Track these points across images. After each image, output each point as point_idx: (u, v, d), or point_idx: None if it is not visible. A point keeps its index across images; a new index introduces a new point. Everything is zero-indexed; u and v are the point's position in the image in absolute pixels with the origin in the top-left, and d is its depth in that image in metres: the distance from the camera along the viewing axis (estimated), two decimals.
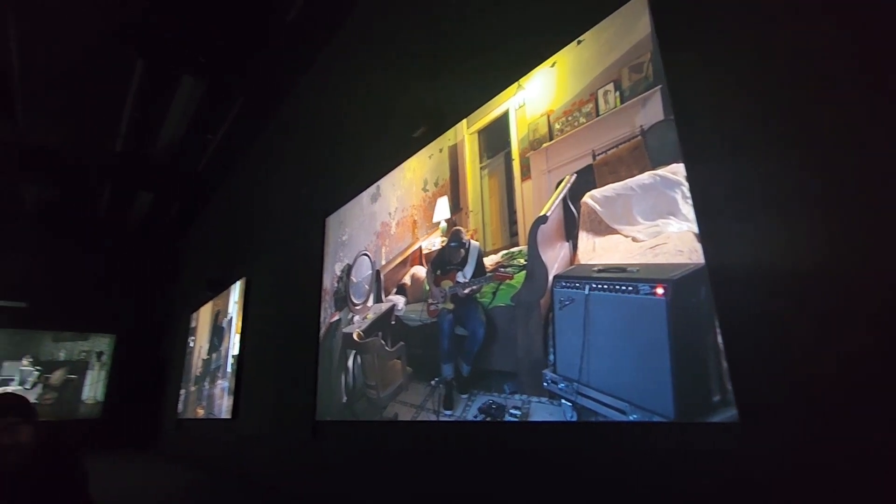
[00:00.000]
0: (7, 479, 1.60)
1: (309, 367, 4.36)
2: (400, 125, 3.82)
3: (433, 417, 2.91)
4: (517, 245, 2.62)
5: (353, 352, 3.86)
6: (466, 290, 2.89)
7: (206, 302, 7.90)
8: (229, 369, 6.23)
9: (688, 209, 1.89)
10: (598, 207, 2.24)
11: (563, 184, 2.43)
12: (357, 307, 3.96)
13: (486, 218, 2.88)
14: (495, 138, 2.93)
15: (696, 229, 1.85)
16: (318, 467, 4.05)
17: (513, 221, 2.68)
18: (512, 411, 2.42)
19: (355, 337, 3.85)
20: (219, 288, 7.40)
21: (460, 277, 2.97)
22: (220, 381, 6.48)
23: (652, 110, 2.09)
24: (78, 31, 5.27)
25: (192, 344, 8.40)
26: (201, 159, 7.86)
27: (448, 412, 2.81)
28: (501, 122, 2.90)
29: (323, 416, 4.07)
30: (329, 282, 4.48)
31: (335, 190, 4.67)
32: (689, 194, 1.90)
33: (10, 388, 9.30)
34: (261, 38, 5.37)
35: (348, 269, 4.20)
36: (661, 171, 2.02)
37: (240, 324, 6.23)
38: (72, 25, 5.18)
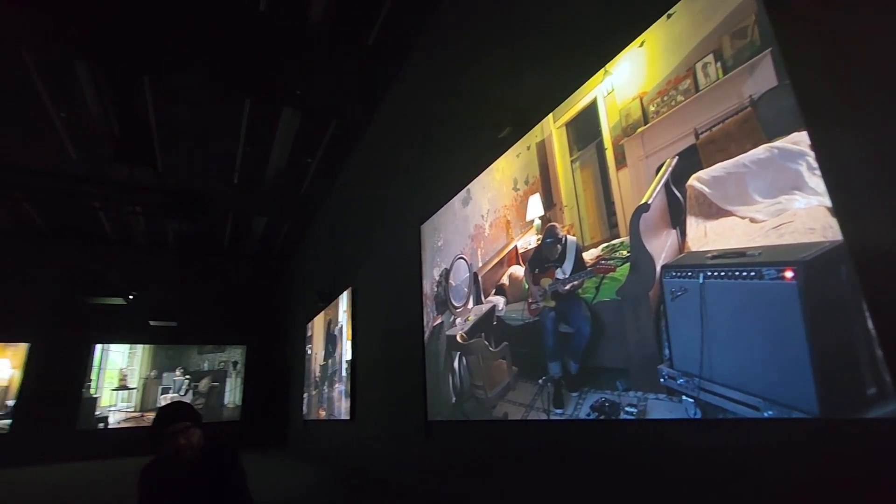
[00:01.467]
0: (183, 475, 1.89)
1: (417, 370, 4.56)
2: (485, 128, 3.87)
3: (544, 416, 2.90)
4: (618, 237, 2.53)
5: (458, 353, 3.96)
6: (567, 287, 2.84)
7: (318, 312, 8.58)
8: (344, 373, 6.70)
9: (816, 181, 1.70)
10: (706, 189, 2.09)
11: (663, 168, 2.30)
12: (458, 310, 4.07)
13: (581, 212, 2.81)
14: (584, 129, 2.85)
15: (828, 203, 1.65)
16: (432, 465, 4.22)
17: (611, 213, 2.59)
18: (627, 409, 2.34)
19: (458, 339, 3.95)
20: (328, 298, 8.01)
21: (559, 274, 2.93)
22: (337, 385, 7.00)
23: (762, 77, 1.91)
24: (196, 85, 6.02)
25: (309, 351, 9.16)
26: (304, 182, 8.57)
27: (559, 411, 2.78)
28: (590, 112, 2.81)
29: (435, 416, 4.23)
30: (429, 287, 4.65)
31: (427, 197, 4.84)
32: (815, 165, 1.70)
33: (169, 396, 10.88)
34: (345, 64, 5.73)
35: (446, 273, 4.33)
36: (778, 143, 1.84)
37: (350, 331, 6.68)
38: (191, 81, 5.94)
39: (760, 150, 1.89)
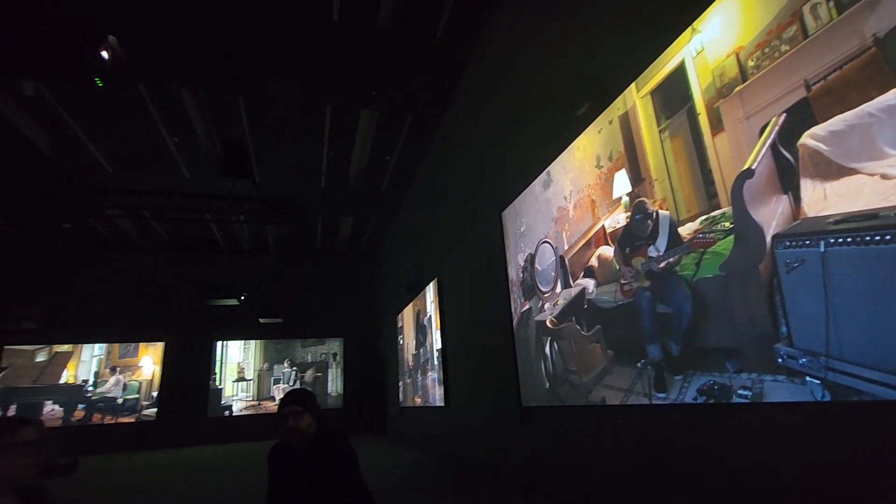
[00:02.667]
0: (300, 456, 2.07)
1: (507, 356, 4.58)
2: (562, 106, 3.75)
3: (645, 401, 2.79)
4: (718, 208, 2.34)
5: (549, 338, 3.92)
6: (662, 265, 2.70)
7: (407, 304, 8.91)
8: (436, 362, 6.91)
9: None
10: (823, 147, 1.87)
11: (768, 129, 2.09)
12: (545, 294, 4.02)
13: (674, 184, 2.64)
14: (672, 96, 2.67)
15: None
16: (528, 450, 4.23)
17: (709, 182, 2.41)
18: (740, 392, 2.17)
19: (548, 324, 3.91)
20: (415, 290, 8.28)
21: (652, 252, 2.78)
22: (430, 373, 7.24)
23: (887, 11, 1.66)
24: (282, 100, 6.47)
25: (401, 341, 9.56)
26: (384, 179, 8.89)
27: (661, 395, 2.66)
28: (677, 77, 2.62)
29: (529, 402, 4.23)
30: (514, 273, 4.63)
31: (507, 183, 4.81)
32: None
33: (281, 386, 11.95)
34: (416, 60, 5.83)
35: (531, 259, 4.28)
36: None
37: (438, 320, 6.86)
38: (277, 97, 6.40)
39: (891, 96, 1.65)
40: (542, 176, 4.09)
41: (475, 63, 5.74)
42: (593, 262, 3.37)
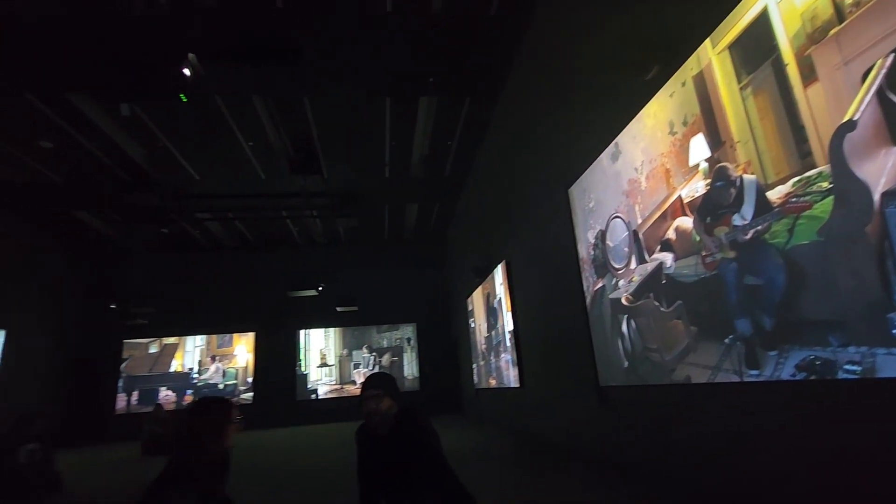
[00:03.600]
0: (383, 437, 2.17)
1: (582, 336, 4.50)
2: (627, 73, 3.55)
3: (735, 378, 2.63)
4: (812, 167, 2.13)
5: (625, 316, 3.80)
6: (749, 234, 2.50)
7: (476, 287, 8.97)
8: (508, 344, 6.93)
9: None
10: None
11: (873, 72, 1.85)
12: (619, 271, 3.88)
13: (759, 145, 2.43)
14: (754, 48, 2.44)
15: None
16: (607, 430, 4.15)
17: (801, 140, 2.19)
18: (847, 367, 1.99)
19: (624, 301, 3.78)
20: (484, 273, 8.31)
21: (737, 220, 2.59)
22: (503, 355, 7.28)
23: None
24: (344, 96, 6.68)
25: (472, 324, 9.66)
26: (446, 164, 8.93)
27: (754, 372, 2.50)
28: (759, 26, 2.39)
29: (607, 381, 4.14)
30: (584, 251, 4.51)
31: (572, 159, 4.66)
32: None
33: (361, 371, 12.56)
34: (471, 40, 5.75)
35: (602, 235, 4.14)
36: None
37: (509, 302, 6.85)
38: (339, 93, 6.60)
39: None
40: (610, 148, 3.92)
41: (531, 36, 5.57)
42: (670, 234, 3.20)
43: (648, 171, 3.42)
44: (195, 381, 12.13)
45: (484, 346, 8.72)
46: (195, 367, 12.27)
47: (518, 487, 3.65)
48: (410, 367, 12.68)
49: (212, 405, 2.05)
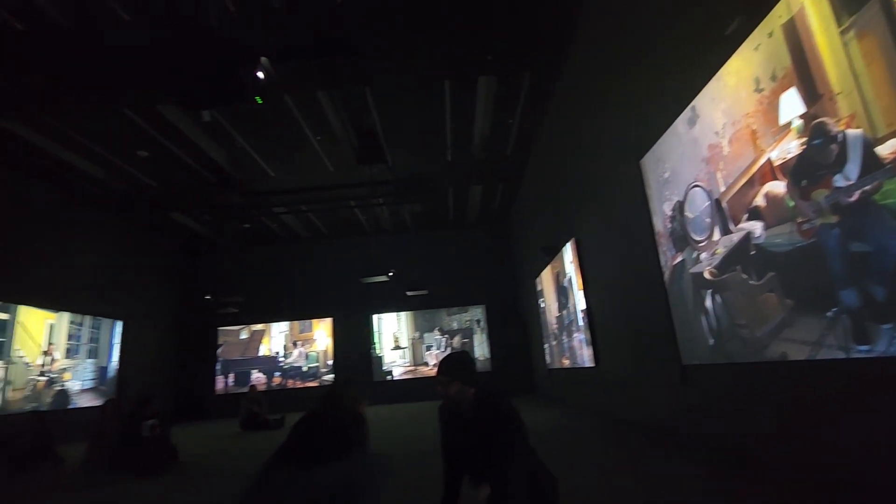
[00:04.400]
0: (465, 417, 2.22)
1: (661, 313, 4.31)
2: (703, 29, 3.28)
3: (841, 355, 2.41)
4: None
5: (709, 291, 3.58)
6: (855, 195, 2.25)
7: (544, 267, 8.83)
8: (581, 323, 6.78)
9: None
10: None
11: None
12: (701, 244, 3.65)
13: (866, 95, 2.16)
14: None
15: None
16: (691, 409, 3.96)
17: None
18: None
19: (707, 275, 3.56)
20: (552, 252, 8.15)
21: (839, 181, 2.34)
22: (576, 334, 7.14)
23: None
24: (403, 83, 6.74)
25: (542, 304, 9.55)
26: (508, 142, 8.79)
27: (864, 347, 2.27)
28: None
29: (690, 359, 3.95)
30: (661, 224, 4.29)
31: (643, 128, 4.42)
32: None
33: (433, 352, 12.89)
34: (528, 12, 5.56)
35: (679, 206, 3.91)
36: None
37: (580, 281, 6.69)
38: (398, 81, 6.68)
39: None
40: (686, 113, 3.66)
41: (592, 4, 5.29)
42: (759, 201, 2.95)
43: (731, 135, 3.16)
44: (282, 364, 13.05)
45: (555, 326, 8.61)
46: (281, 351, 13.19)
47: (601, 468, 3.61)
48: (481, 349, 12.81)
49: (351, 383, 2.55)
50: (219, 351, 13.14)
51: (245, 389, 10.67)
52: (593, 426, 5.69)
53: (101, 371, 10.16)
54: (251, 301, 11.88)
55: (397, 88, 6.94)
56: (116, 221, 10.60)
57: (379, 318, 13.28)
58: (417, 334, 13.17)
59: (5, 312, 8.04)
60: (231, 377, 12.97)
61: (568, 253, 7.18)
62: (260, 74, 3.04)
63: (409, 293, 11.60)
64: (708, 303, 3.60)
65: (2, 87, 6.02)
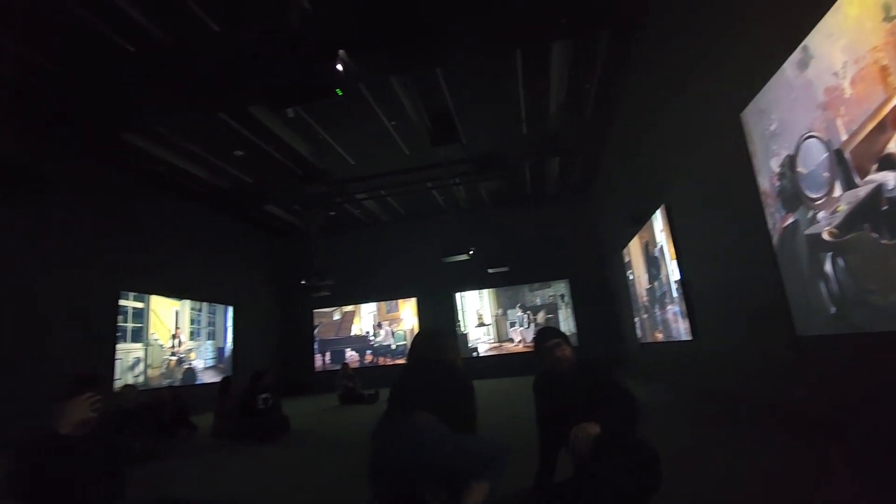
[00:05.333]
0: (566, 385, 2.21)
1: (769, 281, 3.94)
2: None
3: None
4: None
5: (828, 254, 3.20)
6: None
7: (632, 237, 8.40)
8: (675, 294, 6.40)
9: None
10: None
11: None
12: (817, 202, 3.26)
13: None
14: None
15: None
16: (806, 384, 3.60)
17: None
18: None
19: (826, 236, 3.18)
20: (640, 221, 7.72)
21: None
22: (669, 307, 6.76)
23: None
24: (475, 56, 6.63)
25: (631, 277, 9.13)
26: (587, 108, 8.37)
27: None
28: None
29: (806, 330, 3.58)
30: (767, 182, 3.88)
31: (742, 77, 3.99)
32: None
33: (517, 328, 12.88)
34: None
35: (790, 161, 3.51)
36: None
37: (672, 250, 6.29)
38: (469, 55, 6.58)
39: None
40: (796, 54, 3.25)
41: None
42: (893, 148, 2.56)
43: (854, 74, 2.75)
44: (372, 343, 13.78)
45: (646, 299, 8.20)
46: (371, 330, 13.92)
47: (704, 445, 3.43)
48: (567, 324, 12.58)
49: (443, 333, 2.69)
50: (315, 331, 14.16)
51: (339, 367, 11.44)
52: (692, 402, 5.40)
53: (219, 351, 11.41)
54: (341, 284, 12.58)
55: (468, 66, 6.86)
56: (222, 217, 11.71)
57: (461, 297, 13.49)
58: (500, 311, 13.23)
59: (141, 302, 9.26)
60: (328, 355, 13.95)
61: (658, 221, 6.76)
62: (339, 67, 3.15)
63: (490, 270, 11.64)
64: (828, 267, 3.22)
65: (123, 105, 6.81)
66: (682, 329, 6.33)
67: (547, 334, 2.31)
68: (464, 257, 9.81)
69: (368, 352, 13.73)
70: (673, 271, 6.37)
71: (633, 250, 8.56)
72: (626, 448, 1.89)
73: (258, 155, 8.75)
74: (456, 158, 9.55)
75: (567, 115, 8.50)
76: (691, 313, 5.99)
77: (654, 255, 7.20)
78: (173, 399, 6.81)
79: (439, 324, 13.01)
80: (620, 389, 2.08)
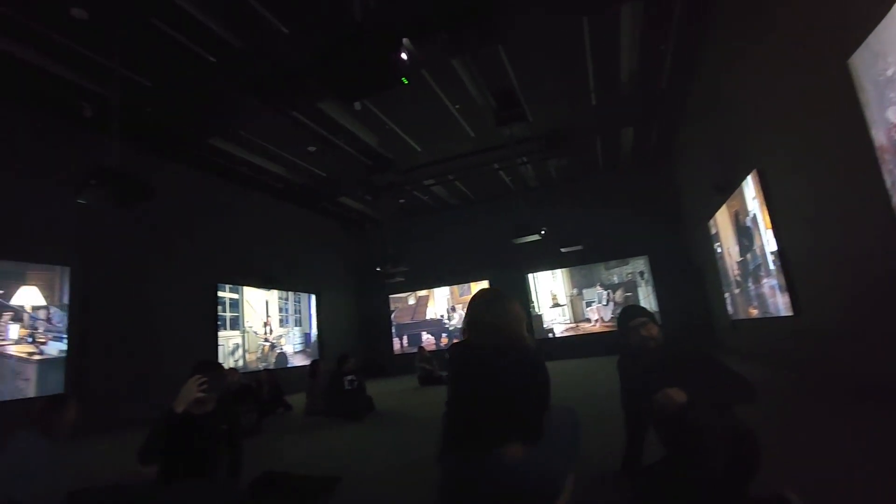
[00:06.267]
0: (654, 362, 2.13)
1: (889, 247, 3.48)
2: None
3: None
4: None
5: None
6: None
7: (718, 207, 7.79)
8: (772, 266, 5.86)
9: None
10: None
11: None
12: None
13: None
14: None
15: None
16: None
17: None
18: None
19: None
20: (727, 189, 7.13)
21: None
22: (765, 280, 6.21)
23: None
24: (539, 29, 6.39)
25: (719, 250, 8.49)
26: (662, 73, 7.81)
27: None
28: None
29: None
30: (883, 136, 3.40)
31: (849, 17, 3.51)
32: None
33: (594, 307, 12.51)
34: None
35: None
36: None
37: (767, 219, 5.75)
38: (532, 28, 6.35)
39: None
40: None
41: None
42: None
43: None
44: (447, 326, 14.03)
45: (737, 273, 7.60)
46: (445, 314, 14.17)
47: (813, 431, 3.15)
48: (647, 302, 12.00)
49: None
50: (392, 316, 14.67)
51: (415, 350, 11.80)
52: (795, 383, 4.96)
53: (306, 336, 12.20)
54: (414, 269, 12.89)
55: (532, 40, 6.62)
56: (301, 211, 12.42)
57: (534, 277, 13.31)
58: (576, 290, 12.90)
59: (235, 293, 10.10)
60: (405, 339, 14.42)
61: (749, 187, 6.20)
62: (404, 56, 3.17)
63: (563, 250, 11.35)
64: None
65: (208, 112, 7.38)
66: (780, 304, 5.80)
67: (632, 312, 2.22)
68: (535, 237, 9.62)
69: (444, 335, 14.01)
70: (768, 241, 5.83)
71: (721, 221, 7.94)
72: (720, 427, 1.76)
73: (329, 149, 9.11)
74: (522, 137, 9.36)
75: (640, 82, 7.98)
76: (791, 287, 5.46)
77: (746, 225, 6.63)
78: (270, 380, 7.41)
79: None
80: (714, 363, 1.96)
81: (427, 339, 14.05)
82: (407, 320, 14.58)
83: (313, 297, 12.63)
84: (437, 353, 12.60)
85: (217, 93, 6.87)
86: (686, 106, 8.88)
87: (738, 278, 7.57)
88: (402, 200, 12.82)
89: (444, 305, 14.25)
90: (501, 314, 1.90)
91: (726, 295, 8.54)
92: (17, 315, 6.31)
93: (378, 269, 11.33)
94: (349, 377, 6.24)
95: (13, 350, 6.19)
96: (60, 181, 6.59)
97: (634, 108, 8.94)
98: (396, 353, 14.34)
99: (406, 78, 3.24)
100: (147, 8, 5.16)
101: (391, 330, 14.59)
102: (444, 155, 10.24)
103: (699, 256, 10.50)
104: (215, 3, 5.26)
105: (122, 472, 2.65)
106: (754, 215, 6.18)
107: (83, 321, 6.95)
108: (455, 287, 14.15)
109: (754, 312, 7.04)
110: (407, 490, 2.70)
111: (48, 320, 6.61)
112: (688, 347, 2.10)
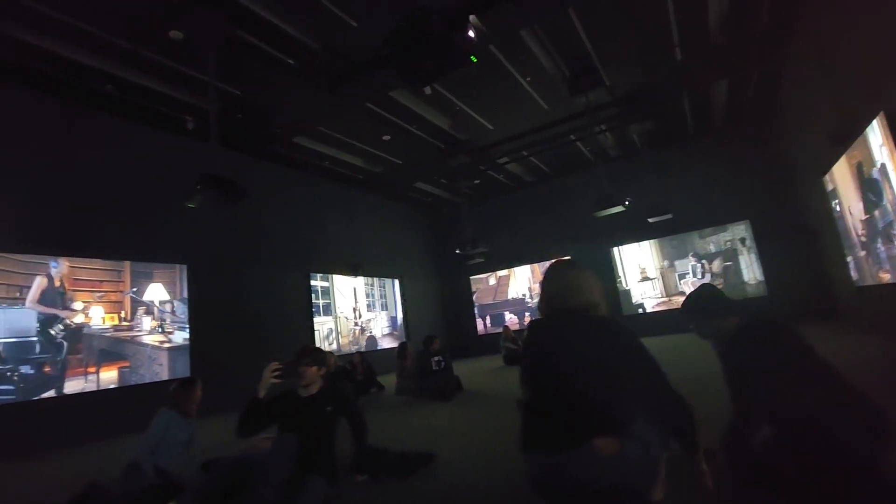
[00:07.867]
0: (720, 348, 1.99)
1: None
2: None
3: None
4: None
5: None
6: None
7: (836, 159, 6.85)
8: None
9: None
10: None
11: None
12: None
13: None
14: None
15: None
16: None
17: None
18: None
19: None
20: (846, 138, 6.23)
21: None
22: None
23: None
24: None
25: (837, 207, 7.50)
26: (759, 14, 6.94)
27: None
28: None
29: None
30: None
31: None
32: None
33: (689, 279, 11.67)
34: None
35: None
36: None
37: None
38: None
39: None
40: None
41: None
42: None
43: None
44: (529, 305, 13.88)
45: (862, 233, 6.67)
46: (527, 293, 14.01)
47: None
48: (751, 270, 10.97)
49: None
50: (474, 297, 14.80)
51: (499, 330, 11.81)
52: None
53: (392, 320, 12.71)
54: (493, 249, 12.85)
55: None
56: (380, 198, 12.86)
57: (619, 251, 12.70)
58: (667, 262, 12.11)
59: (326, 281, 10.75)
60: (488, 319, 14.50)
61: (874, 133, 5.37)
62: (471, 34, 3.11)
63: (650, 220, 10.67)
64: None
65: (291, 112, 7.82)
66: None
67: (697, 299, 2.07)
68: (619, 209, 9.10)
69: (527, 313, 13.89)
70: None
71: (840, 175, 6.98)
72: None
73: (404, 136, 9.27)
74: (600, 103, 8.85)
75: (733, 28, 7.17)
76: None
77: (873, 178, 5.77)
78: (362, 362, 7.83)
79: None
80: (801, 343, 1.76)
81: (510, 318, 14.01)
82: (488, 301, 14.63)
83: (397, 282, 13.09)
84: (522, 331, 12.53)
85: (298, 93, 7.24)
86: (790, 48, 7.84)
87: (864, 239, 6.65)
88: (477, 181, 12.77)
89: (525, 284, 14.10)
90: (571, 282, 1.88)
91: (849, 259, 7.55)
92: (149, 309, 7.24)
93: (457, 251, 11.44)
94: (436, 357, 6.41)
95: (148, 339, 7.13)
96: (172, 188, 7.39)
97: (727, 58, 8.06)
98: (480, 333, 14.49)
99: (475, 56, 3.18)
100: (233, 22, 5.53)
101: (474, 311, 14.73)
102: (517, 131, 9.99)
103: (812, 217, 9.35)
104: (290, 7, 5.51)
105: (241, 446, 2.97)
106: (882, 165, 5.36)
107: (200, 313, 7.80)
108: (536, 265, 13.92)
109: (886, 277, 6.15)
110: (500, 476, 2.71)
111: (173, 312, 7.51)
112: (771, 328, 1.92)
